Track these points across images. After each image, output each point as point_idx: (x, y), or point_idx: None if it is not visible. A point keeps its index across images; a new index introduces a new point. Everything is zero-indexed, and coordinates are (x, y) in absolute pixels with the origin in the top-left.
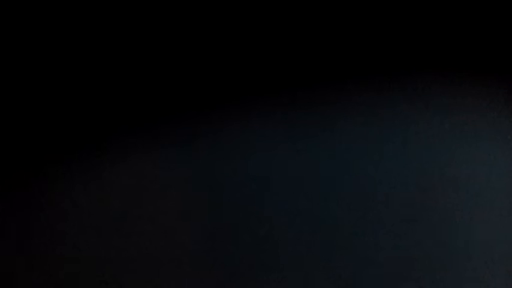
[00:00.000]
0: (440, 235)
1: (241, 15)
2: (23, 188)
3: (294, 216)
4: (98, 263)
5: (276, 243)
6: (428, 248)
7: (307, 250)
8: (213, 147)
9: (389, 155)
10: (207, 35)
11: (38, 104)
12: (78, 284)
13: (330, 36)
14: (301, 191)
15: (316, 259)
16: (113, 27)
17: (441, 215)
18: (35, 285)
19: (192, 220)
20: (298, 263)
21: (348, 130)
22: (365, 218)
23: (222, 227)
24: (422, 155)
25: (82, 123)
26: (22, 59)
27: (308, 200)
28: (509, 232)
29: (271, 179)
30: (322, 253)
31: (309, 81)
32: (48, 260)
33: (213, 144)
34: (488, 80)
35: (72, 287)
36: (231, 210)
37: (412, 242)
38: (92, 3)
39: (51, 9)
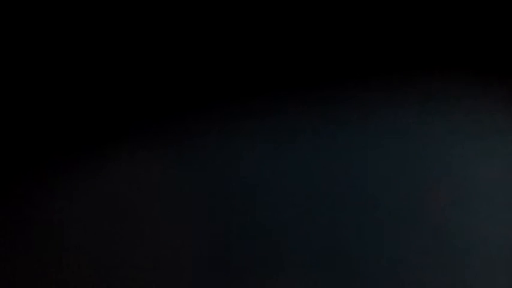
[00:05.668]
0: (440, 235)
1: (243, 17)
2: (23, 188)
3: (294, 215)
4: (98, 263)
5: (276, 243)
6: (428, 247)
7: (307, 250)
8: (214, 148)
9: (389, 155)
10: (207, 37)
11: (38, 105)
12: (79, 284)
13: (329, 37)
14: (302, 191)
15: (316, 259)
16: (116, 28)
17: (441, 214)
18: (35, 285)
19: (192, 220)
20: (298, 263)
21: (347, 130)
22: (365, 218)
23: (223, 227)
24: (422, 155)
25: (82, 123)
26: (23, 59)
27: (308, 200)
28: (509, 231)
29: (272, 178)
30: (322, 253)
31: (309, 82)
32: (48, 260)
33: (213, 144)
34: (488, 80)
35: (72, 287)
36: (231, 210)
37: (412, 241)
38: (93, 4)
39: (52, 9)
